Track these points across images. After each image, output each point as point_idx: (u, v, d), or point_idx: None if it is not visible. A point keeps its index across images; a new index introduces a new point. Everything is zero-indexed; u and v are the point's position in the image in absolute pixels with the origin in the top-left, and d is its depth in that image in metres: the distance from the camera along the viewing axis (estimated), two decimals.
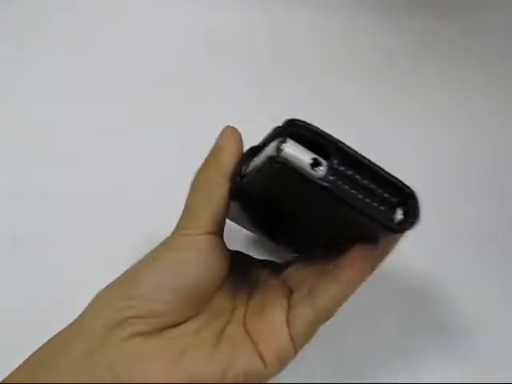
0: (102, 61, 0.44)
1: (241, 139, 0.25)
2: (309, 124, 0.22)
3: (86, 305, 0.34)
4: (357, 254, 0.23)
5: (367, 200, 0.21)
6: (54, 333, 0.34)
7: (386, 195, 0.22)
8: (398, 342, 0.35)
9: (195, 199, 0.24)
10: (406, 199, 0.22)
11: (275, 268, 0.28)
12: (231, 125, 0.25)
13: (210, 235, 0.24)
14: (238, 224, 0.32)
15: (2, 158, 0.40)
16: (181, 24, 0.46)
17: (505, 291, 0.37)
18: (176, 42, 0.46)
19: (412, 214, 0.22)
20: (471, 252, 0.39)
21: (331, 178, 0.21)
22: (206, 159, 0.25)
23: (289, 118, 0.22)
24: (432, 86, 0.47)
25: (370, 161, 0.22)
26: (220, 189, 0.24)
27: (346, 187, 0.21)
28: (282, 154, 0.21)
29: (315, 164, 0.21)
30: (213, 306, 0.25)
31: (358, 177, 0.21)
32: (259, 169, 0.22)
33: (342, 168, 0.21)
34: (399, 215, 0.22)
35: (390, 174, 0.22)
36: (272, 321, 0.24)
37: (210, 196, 0.24)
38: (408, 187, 0.22)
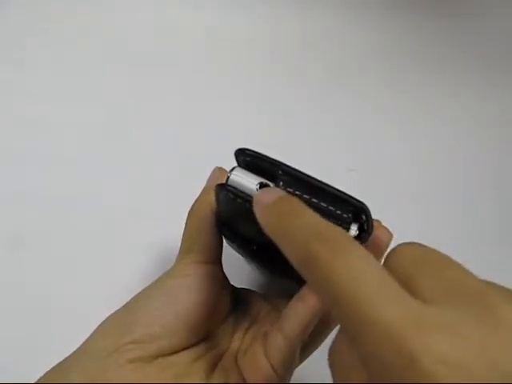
0: (102, 61, 0.44)
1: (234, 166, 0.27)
2: (254, 151, 0.23)
3: (85, 305, 0.34)
4: None
5: None
6: (53, 332, 0.34)
7: (338, 212, 0.22)
8: None
9: (188, 232, 0.27)
10: (360, 214, 0.22)
11: (278, 302, 0.28)
12: (219, 166, 0.28)
13: (203, 264, 0.26)
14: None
15: (1, 158, 0.40)
16: (181, 24, 0.46)
17: None
18: (176, 41, 0.46)
19: (366, 229, 0.22)
20: (471, 252, 0.39)
21: None
22: (198, 197, 0.27)
23: (239, 147, 0.24)
24: (432, 86, 0.47)
25: (318, 180, 0.22)
26: (207, 223, 0.26)
27: None
28: (229, 181, 0.23)
29: (262, 188, 0.22)
30: (212, 339, 0.26)
31: (306, 196, 0.22)
32: (216, 198, 0.24)
33: (288, 189, 0.22)
34: (353, 231, 0.22)
35: (340, 191, 0.22)
36: (255, 353, 0.24)
37: (200, 229, 0.26)
38: (359, 202, 0.22)
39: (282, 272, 0.31)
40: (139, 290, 0.26)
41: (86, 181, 0.39)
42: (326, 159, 0.42)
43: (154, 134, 0.41)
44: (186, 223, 0.27)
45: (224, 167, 0.27)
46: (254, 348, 0.24)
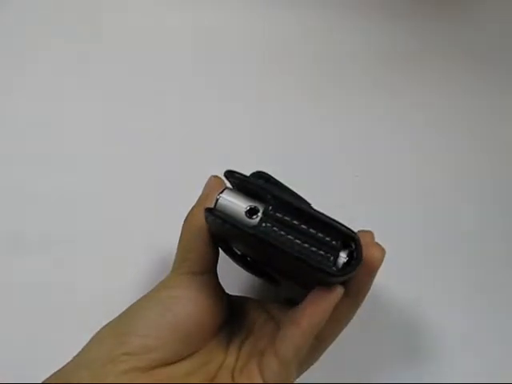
0: (102, 61, 0.44)
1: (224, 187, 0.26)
2: (242, 175, 0.23)
3: (85, 305, 0.34)
4: (312, 298, 0.23)
5: (305, 245, 0.21)
6: (53, 332, 0.34)
7: (327, 239, 0.22)
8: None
9: (183, 242, 0.27)
10: (349, 242, 0.22)
11: (275, 311, 0.28)
12: (215, 174, 0.28)
13: (198, 275, 0.26)
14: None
15: (1, 158, 0.40)
16: (181, 24, 0.46)
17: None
18: (176, 42, 0.46)
19: (355, 257, 0.22)
20: (471, 255, 0.39)
21: (266, 224, 0.21)
22: (193, 206, 0.27)
23: (228, 169, 0.24)
24: (429, 86, 0.46)
25: (308, 206, 0.22)
26: (202, 233, 0.26)
27: (282, 233, 0.21)
28: (217, 205, 0.23)
29: (252, 212, 0.22)
30: (207, 350, 0.26)
31: (295, 222, 0.22)
32: (205, 220, 0.24)
33: (278, 214, 0.22)
34: (343, 258, 0.22)
35: (329, 218, 0.22)
36: (251, 374, 0.24)
37: (195, 239, 0.26)
38: (349, 229, 0.22)
39: (277, 280, 0.31)
40: (139, 290, 0.27)
41: (86, 181, 0.39)
42: (325, 161, 0.42)
43: (154, 135, 0.41)
44: (181, 233, 0.27)
45: (219, 174, 0.27)
46: (250, 368, 0.24)
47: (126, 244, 0.37)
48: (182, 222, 0.27)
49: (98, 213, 0.38)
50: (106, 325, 0.25)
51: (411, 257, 0.38)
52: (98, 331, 0.25)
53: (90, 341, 0.25)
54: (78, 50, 0.44)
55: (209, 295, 0.26)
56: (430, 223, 0.40)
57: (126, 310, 0.26)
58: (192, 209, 0.27)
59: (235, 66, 0.46)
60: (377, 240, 0.25)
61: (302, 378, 0.28)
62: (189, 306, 0.25)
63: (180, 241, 0.27)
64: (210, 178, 0.28)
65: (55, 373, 0.24)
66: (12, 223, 0.38)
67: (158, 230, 0.37)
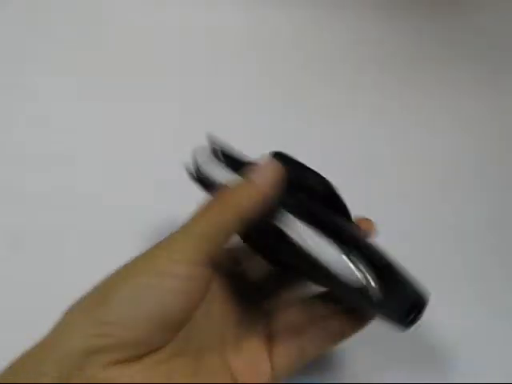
0: (102, 61, 0.44)
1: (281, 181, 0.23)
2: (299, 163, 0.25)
3: None
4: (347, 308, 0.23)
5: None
6: None
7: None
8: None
9: (194, 223, 0.22)
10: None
11: (269, 294, 0.27)
12: (273, 160, 0.24)
13: (210, 267, 0.22)
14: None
15: (1, 158, 0.40)
16: (181, 24, 0.46)
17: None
18: (176, 41, 0.46)
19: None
20: (464, 248, 0.39)
21: None
22: (237, 187, 0.23)
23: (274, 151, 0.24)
24: (421, 87, 0.46)
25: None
26: (242, 215, 0.22)
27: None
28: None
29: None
30: (192, 328, 0.22)
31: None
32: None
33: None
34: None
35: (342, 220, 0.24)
36: (254, 356, 0.23)
37: (224, 227, 0.21)
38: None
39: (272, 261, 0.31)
40: None
41: (86, 181, 0.39)
42: (324, 158, 0.42)
43: (154, 134, 0.42)
44: (204, 208, 0.22)
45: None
46: (254, 350, 0.23)
47: (127, 244, 0.37)
48: (187, 216, 0.23)
49: (98, 212, 0.38)
50: (81, 305, 0.21)
51: (411, 257, 0.38)
52: (72, 314, 0.21)
53: (64, 324, 0.21)
54: (78, 50, 0.45)
55: (200, 288, 0.21)
56: (428, 225, 0.40)
57: (105, 287, 0.21)
58: (236, 188, 0.22)
59: (237, 66, 0.46)
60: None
61: (301, 378, 0.28)
62: (177, 298, 0.21)
63: (191, 219, 0.22)
64: (272, 160, 0.23)
65: (30, 352, 0.21)
66: (12, 223, 0.38)
67: (158, 230, 0.37)
